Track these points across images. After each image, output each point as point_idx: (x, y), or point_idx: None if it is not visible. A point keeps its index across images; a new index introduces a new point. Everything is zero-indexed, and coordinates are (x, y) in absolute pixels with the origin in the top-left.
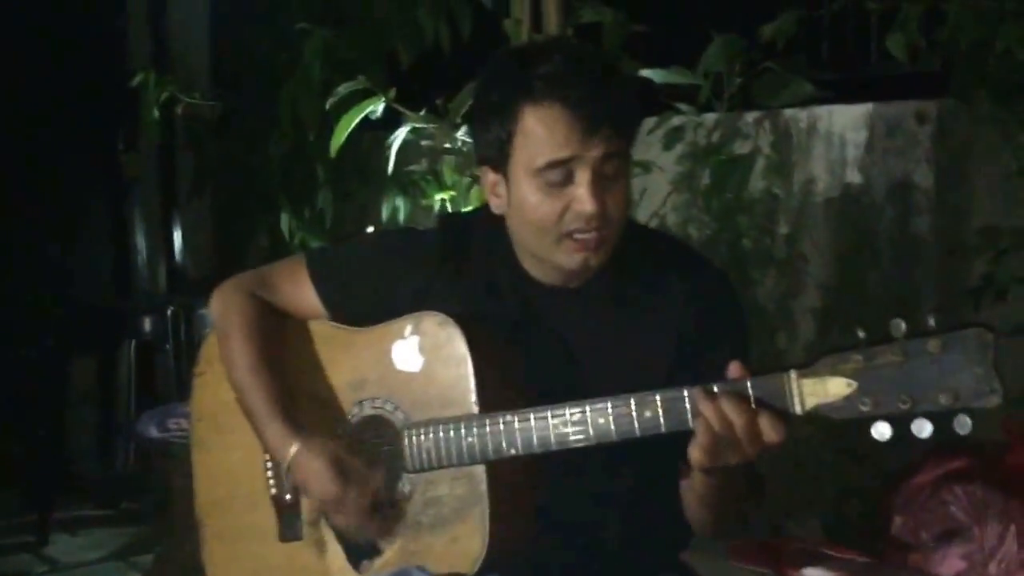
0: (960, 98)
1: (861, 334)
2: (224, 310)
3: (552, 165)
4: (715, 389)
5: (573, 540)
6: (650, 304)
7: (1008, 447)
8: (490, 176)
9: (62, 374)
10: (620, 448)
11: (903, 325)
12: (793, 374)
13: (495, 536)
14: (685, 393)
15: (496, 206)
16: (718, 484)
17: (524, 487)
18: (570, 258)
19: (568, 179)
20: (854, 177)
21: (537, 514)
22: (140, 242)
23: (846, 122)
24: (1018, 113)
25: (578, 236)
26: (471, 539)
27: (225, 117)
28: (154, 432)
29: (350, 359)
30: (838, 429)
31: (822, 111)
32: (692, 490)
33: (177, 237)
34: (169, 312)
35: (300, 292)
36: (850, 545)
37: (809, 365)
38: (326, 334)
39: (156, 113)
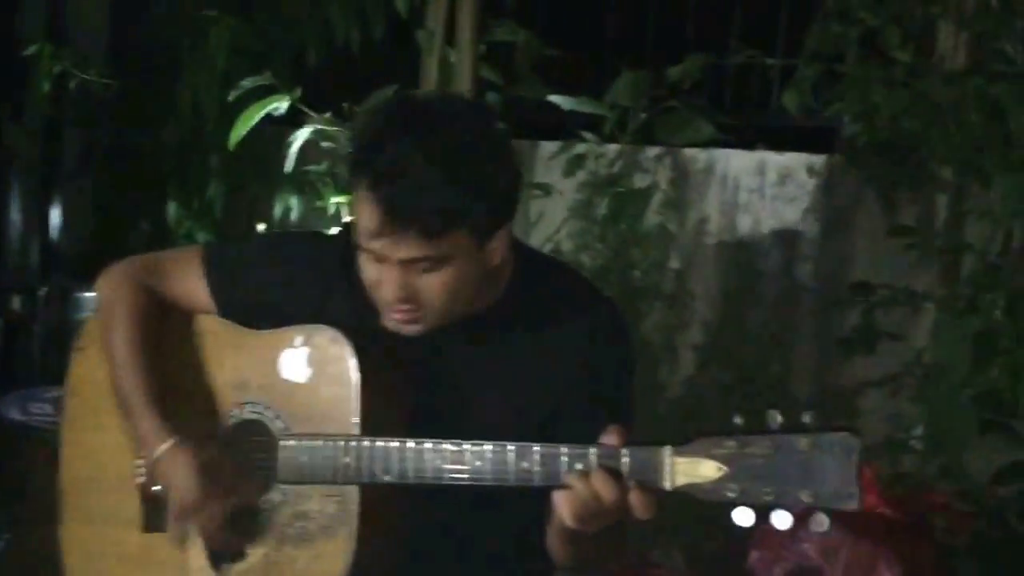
0: (848, 157)
1: (738, 420)
2: (110, 295)
3: (366, 249)
4: (590, 454)
5: (438, 569)
6: (543, 336)
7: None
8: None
9: None
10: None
11: (779, 417)
12: (668, 451)
13: (359, 557)
14: (563, 450)
15: None
16: (582, 538)
17: (394, 512)
18: (391, 323)
19: (382, 264)
20: (744, 220)
21: (403, 541)
22: (15, 217)
23: (741, 167)
24: (898, 176)
25: (390, 314)
26: (335, 558)
27: (119, 97)
28: (16, 415)
29: (236, 359)
30: None
31: (719, 154)
32: (555, 534)
33: (55, 215)
34: (41, 293)
35: (192, 286)
36: None
37: (685, 444)
38: (214, 330)
39: (47, 87)
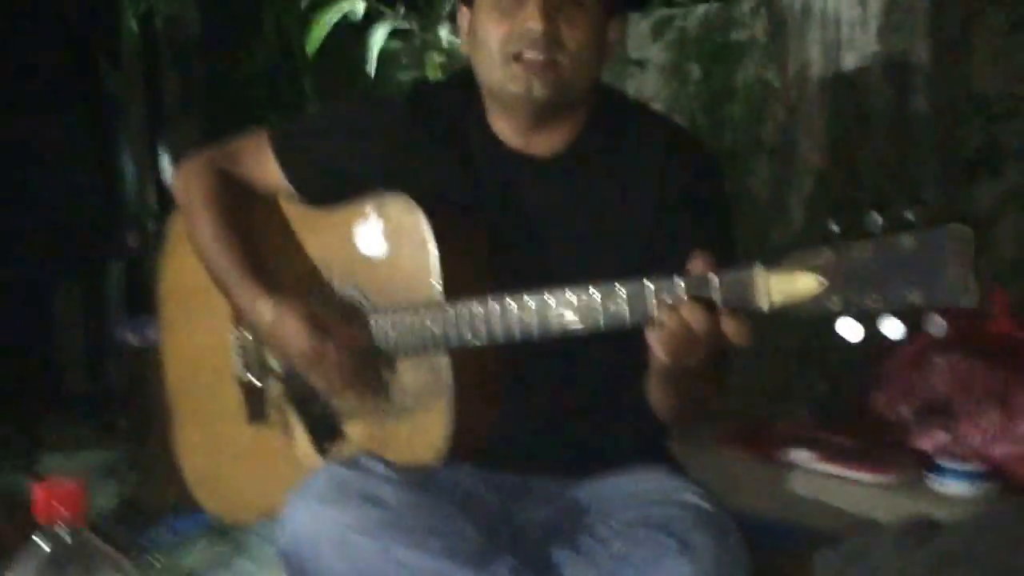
0: None
1: (835, 228)
2: (187, 185)
3: None
4: (676, 284)
5: (544, 429)
6: (628, 177)
7: (990, 316)
8: (465, 17)
9: (49, 295)
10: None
11: (879, 219)
12: (759, 268)
13: (460, 427)
14: (648, 284)
15: (466, 44)
16: (679, 373)
17: (490, 376)
18: (515, 82)
19: (522, 3)
20: (850, 58)
21: (505, 403)
22: (127, 162)
23: (840, 1)
24: None
25: (525, 57)
26: (435, 429)
27: (208, 32)
28: (132, 340)
29: (316, 240)
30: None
31: None
32: (654, 378)
33: (164, 156)
34: (151, 226)
35: (264, 167)
36: (837, 428)
37: (777, 259)
38: (292, 214)
39: (135, 26)
